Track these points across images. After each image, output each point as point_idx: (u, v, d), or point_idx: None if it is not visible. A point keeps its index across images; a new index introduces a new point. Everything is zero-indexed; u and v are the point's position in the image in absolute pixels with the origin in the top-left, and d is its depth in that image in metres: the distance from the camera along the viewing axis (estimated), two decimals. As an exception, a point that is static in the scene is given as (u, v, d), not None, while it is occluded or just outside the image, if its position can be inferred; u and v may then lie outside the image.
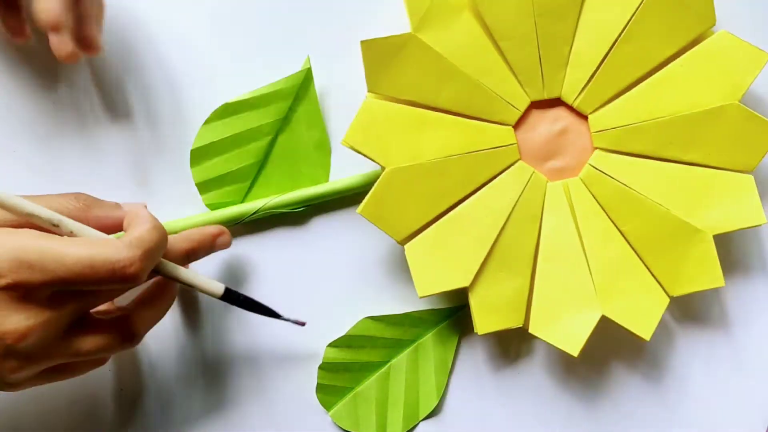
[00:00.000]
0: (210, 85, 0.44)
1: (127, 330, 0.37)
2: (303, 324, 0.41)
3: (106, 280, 0.34)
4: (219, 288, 0.39)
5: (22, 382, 0.36)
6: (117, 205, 0.41)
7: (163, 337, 0.44)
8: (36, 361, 0.35)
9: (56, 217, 0.36)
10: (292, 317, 0.41)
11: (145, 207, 0.42)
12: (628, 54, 0.41)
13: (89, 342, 0.36)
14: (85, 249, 0.34)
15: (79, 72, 0.44)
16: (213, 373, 0.44)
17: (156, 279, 0.39)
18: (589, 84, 0.41)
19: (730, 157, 0.41)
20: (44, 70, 0.44)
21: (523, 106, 0.41)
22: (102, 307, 0.40)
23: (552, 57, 0.41)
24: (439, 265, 0.40)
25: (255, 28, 0.44)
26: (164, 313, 0.40)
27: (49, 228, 0.36)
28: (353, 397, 0.44)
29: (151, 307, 0.39)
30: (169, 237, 0.38)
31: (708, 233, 0.41)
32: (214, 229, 0.41)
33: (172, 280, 0.39)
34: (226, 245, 0.42)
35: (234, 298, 0.39)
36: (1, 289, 0.33)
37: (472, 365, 0.45)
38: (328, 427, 0.44)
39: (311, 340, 0.44)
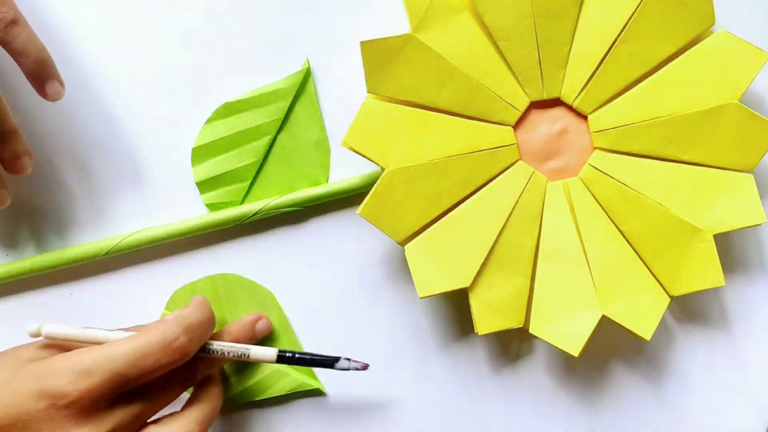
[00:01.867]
0: (212, 85, 0.44)
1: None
2: (366, 368, 0.41)
3: (158, 360, 0.36)
4: (272, 354, 0.41)
5: None
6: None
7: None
8: None
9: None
10: (352, 366, 0.41)
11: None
12: (628, 54, 0.41)
13: None
14: (131, 340, 0.36)
15: (79, 73, 0.44)
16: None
17: (200, 381, 0.41)
18: (589, 84, 0.41)
19: (729, 157, 0.41)
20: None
21: (522, 107, 0.41)
22: None
23: (551, 57, 0.41)
24: (439, 266, 0.40)
25: (255, 28, 0.44)
26: (215, 412, 0.40)
27: None
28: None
29: (201, 405, 0.39)
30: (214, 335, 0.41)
31: (708, 233, 0.41)
32: (251, 316, 0.43)
33: (221, 358, 0.40)
34: (266, 330, 0.43)
35: (287, 359, 0.41)
36: (66, 407, 0.34)
37: (472, 365, 0.45)
38: (323, 413, 0.44)
39: (311, 341, 0.44)
